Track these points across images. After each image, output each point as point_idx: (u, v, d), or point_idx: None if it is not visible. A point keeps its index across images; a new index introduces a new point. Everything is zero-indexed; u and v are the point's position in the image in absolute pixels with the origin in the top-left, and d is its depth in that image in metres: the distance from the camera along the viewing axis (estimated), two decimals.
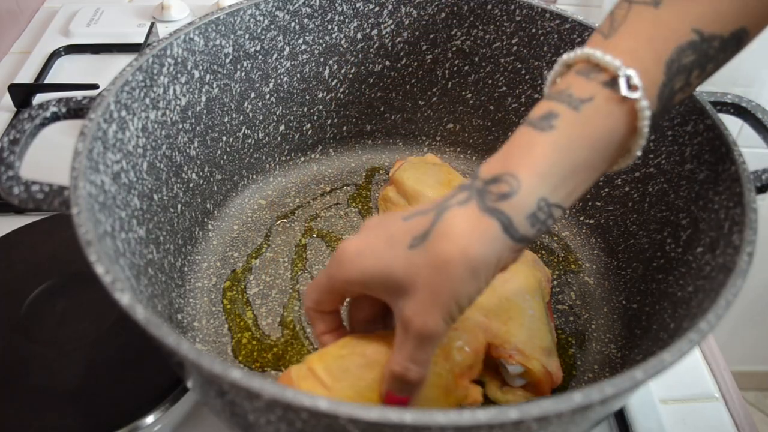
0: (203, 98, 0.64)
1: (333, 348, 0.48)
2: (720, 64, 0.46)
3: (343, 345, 0.48)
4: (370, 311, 0.49)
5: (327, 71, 0.74)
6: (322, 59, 0.73)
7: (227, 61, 0.65)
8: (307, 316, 0.50)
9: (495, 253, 0.40)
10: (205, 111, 0.65)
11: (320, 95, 0.76)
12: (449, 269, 0.39)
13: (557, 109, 0.41)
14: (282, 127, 0.75)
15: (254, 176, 0.74)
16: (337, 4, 0.70)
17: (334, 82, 0.76)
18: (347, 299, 0.49)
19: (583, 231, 0.72)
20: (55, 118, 0.49)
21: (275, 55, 0.70)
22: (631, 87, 0.41)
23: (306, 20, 0.70)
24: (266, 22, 0.67)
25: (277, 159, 0.76)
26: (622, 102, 0.41)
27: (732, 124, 0.56)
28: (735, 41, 0.45)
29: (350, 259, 0.43)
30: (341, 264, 0.44)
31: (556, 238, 0.72)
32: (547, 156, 0.40)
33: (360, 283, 0.44)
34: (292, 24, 0.69)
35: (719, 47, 0.44)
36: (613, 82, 0.41)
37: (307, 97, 0.75)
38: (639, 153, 0.43)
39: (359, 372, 0.46)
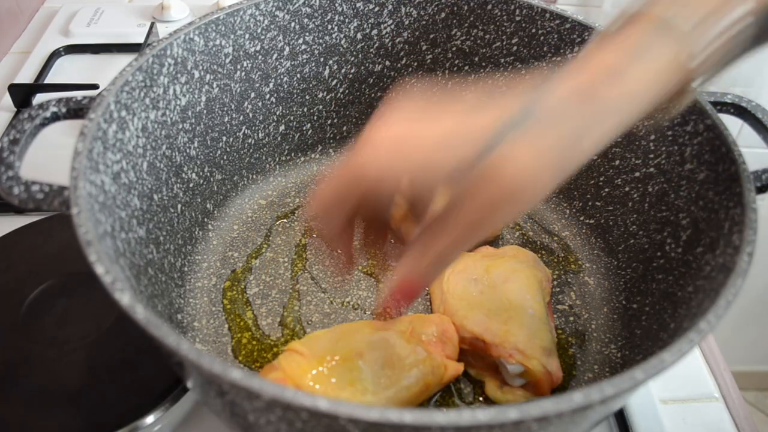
0: (203, 98, 0.64)
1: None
2: None
3: (318, 335, 0.54)
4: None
5: (327, 71, 0.74)
6: (322, 59, 0.73)
7: (227, 61, 0.65)
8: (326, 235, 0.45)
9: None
10: (205, 111, 0.65)
11: (320, 95, 0.76)
12: (505, 201, 0.39)
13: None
14: (282, 127, 0.75)
15: (254, 176, 0.74)
16: (337, 4, 0.70)
17: (334, 82, 0.76)
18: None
19: (583, 231, 0.72)
20: (55, 118, 0.49)
21: (275, 55, 0.70)
22: None
23: (306, 20, 0.70)
24: (266, 22, 0.67)
25: (277, 159, 0.76)
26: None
27: (732, 124, 0.56)
28: None
29: (383, 161, 0.40)
30: (367, 165, 0.40)
31: (556, 238, 0.72)
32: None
33: (388, 186, 0.40)
34: (292, 24, 0.69)
35: None
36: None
37: (307, 97, 0.75)
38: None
39: (329, 339, 0.52)
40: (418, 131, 0.40)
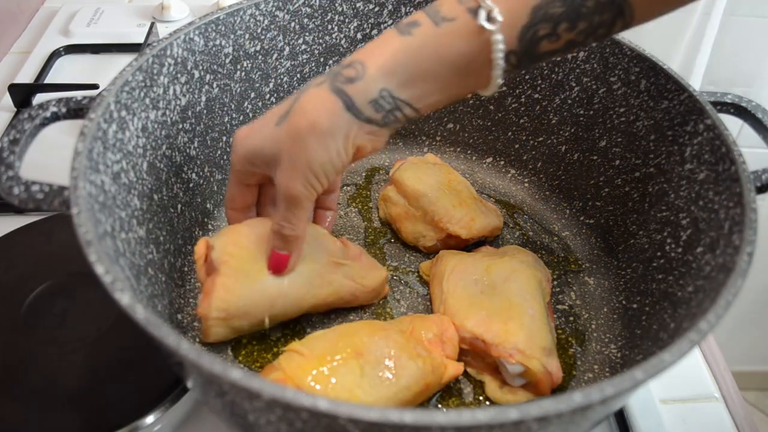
0: (203, 98, 0.64)
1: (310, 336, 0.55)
2: (596, 27, 0.47)
3: (318, 335, 0.55)
4: (250, 199, 0.58)
5: (327, 71, 0.74)
6: (322, 59, 0.73)
7: (227, 61, 0.65)
8: (228, 218, 0.59)
9: (341, 129, 0.47)
10: (205, 111, 0.65)
11: None
12: (302, 140, 0.47)
13: (421, 20, 0.46)
14: None
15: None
16: (337, 4, 0.70)
17: None
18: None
19: (583, 231, 0.72)
20: (55, 118, 0.49)
21: (275, 55, 0.70)
22: (490, 19, 0.44)
23: (306, 20, 0.70)
24: (266, 22, 0.67)
25: None
26: (480, 31, 0.45)
27: (732, 124, 0.56)
28: (614, 8, 0.46)
29: (239, 142, 0.52)
30: (234, 148, 0.52)
31: (556, 238, 0.72)
32: (396, 55, 0.46)
33: (246, 160, 0.52)
34: (292, 24, 0.69)
35: (594, 8, 0.45)
36: (476, 11, 0.45)
37: None
38: (499, 82, 0.47)
39: (329, 339, 0.53)
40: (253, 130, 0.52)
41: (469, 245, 0.68)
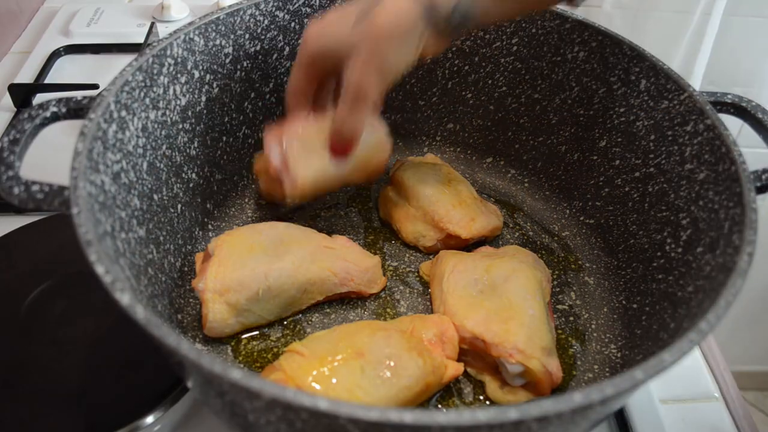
0: (203, 98, 0.64)
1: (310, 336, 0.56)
2: None
3: (318, 335, 0.55)
4: (310, 88, 0.61)
5: None
6: None
7: (227, 61, 0.65)
8: (287, 104, 0.61)
9: (417, 33, 0.52)
10: (205, 111, 0.65)
11: None
12: (381, 41, 0.51)
13: None
14: None
15: (254, 176, 0.74)
16: (337, 4, 0.70)
17: None
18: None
19: (583, 231, 0.72)
20: (55, 118, 0.49)
21: (275, 55, 0.70)
22: None
23: (306, 20, 0.70)
24: (266, 22, 0.67)
25: None
26: None
27: (732, 124, 0.56)
28: None
29: (312, 39, 0.56)
30: (306, 43, 0.56)
31: (556, 238, 0.72)
32: None
33: (320, 55, 0.56)
34: (292, 24, 0.69)
35: None
36: None
37: None
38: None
39: (330, 339, 0.53)
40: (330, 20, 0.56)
41: (469, 245, 0.68)
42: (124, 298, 0.38)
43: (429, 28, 0.52)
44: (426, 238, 0.68)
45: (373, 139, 0.64)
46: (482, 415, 0.33)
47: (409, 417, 0.32)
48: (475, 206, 0.68)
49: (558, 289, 0.67)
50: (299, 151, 0.60)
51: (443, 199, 0.68)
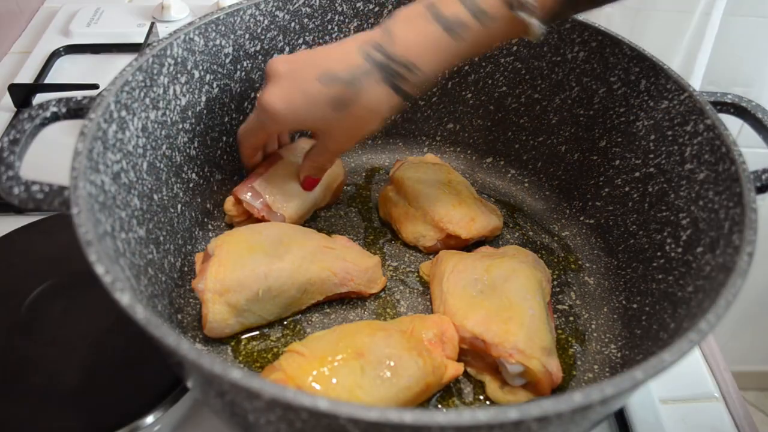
0: (203, 98, 0.64)
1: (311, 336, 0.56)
2: None
3: (318, 335, 0.55)
4: (267, 142, 0.69)
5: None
6: None
7: (227, 61, 0.65)
8: (244, 156, 0.68)
9: (393, 112, 0.58)
10: (205, 111, 0.65)
11: None
12: (363, 125, 0.59)
13: (469, 23, 0.53)
14: None
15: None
16: (337, 4, 0.70)
17: None
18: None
19: (583, 231, 0.72)
20: (55, 118, 0.49)
21: (275, 55, 0.70)
22: (524, 8, 0.52)
23: (306, 20, 0.70)
24: (266, 22, 0.67)
25: None
26: (520, 21, 0.53)
27: (732, 124, 0.56)
28: None
29: (283, 114, 0.57)
30: (276, 118, 0.58)
31: (556, 238, 0.72)
32: (449, 60, 0.55)
33: (288, 126, 0.64)
34: (292, 24, 0.69)
35: None
36: (513, 5, 0.53)
37: None
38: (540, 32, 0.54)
39: (330, 339, 0.53)
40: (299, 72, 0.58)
41: (468, 245, 0.68)
42: (124, 298, 0.38)
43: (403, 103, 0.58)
44: (426, 238, 0.68)
45: (331, 173, 0.70)
46: (482, 415, 0.33)
47: (409, 417, 0.33)
48: (475, 206, 0.68)
49: (558, 289, 0.67)
50: (276, 195, 0.67)
51: (443, 199, 0.68)
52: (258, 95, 0.59)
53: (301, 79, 0.57)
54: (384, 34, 0.56)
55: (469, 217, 0.67)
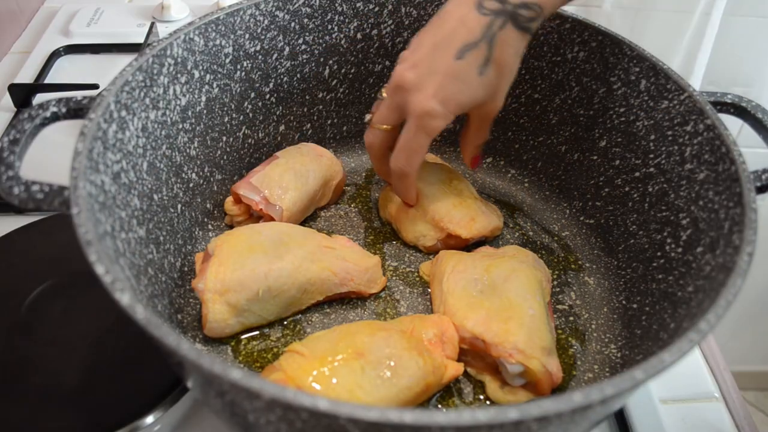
0: (203, 98, 0.64)
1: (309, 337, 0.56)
2: None
3: (318, 335, 0.55)
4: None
5: (327, 71, 0.74)
6: (322, 59, 0.73)
7: (227, 61, 0.65)
8: (378, 169, 0.67)
9: (525, 50, 0.59)
10: (205, 111, 0.65)
11: (320, 95, 0.76)
12: (511, 75, 0.59)
13: None
14: (282, 127, 0.75)
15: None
16: (337, 4, 0.70)
17: (334, 82, 0.76)
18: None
19: (583, 231, 0.72)
20: (55, 118, 0.49)
21: (275, 55, 0.70)
22: None
23: (306, 20, 0.70)
24: (266, 22, 0.67)
25: None
26: None
27: (732, 124, 0.56)
28: None
29: (445, 111, 0.57)
30: (441, 118, 0.57)
31: (556, 238, 0.72)
32: None
33: (456, 113, 0.58)
34: (292, 24, 0.69)
35: None
36: None
37: (307, 97, 0.75)
38: None
39: (330, 339, 0.53)
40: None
41: (469, 245, 0.68)
42: (124, 298, 0.38)
43: None
44: (426, 238, 0.68)
45: (328, 170, 0.71)
46: (482, 415, 0.33)
47: (409, 417, 0.32)
48: (476, 206, 0.68)
49: (558, 289, 0.67)
50: (274, 188, 0.67)
51: (444, 199, 0.68)
52: (410, 110, 0.58)
53: (441, 70, 0.56)
54: None
55: (470, 217, 0.67)
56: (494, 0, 0.55)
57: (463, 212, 0.67)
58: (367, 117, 0.65)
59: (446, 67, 0.56)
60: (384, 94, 0.63)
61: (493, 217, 0.69)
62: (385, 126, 0.63)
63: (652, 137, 0.63)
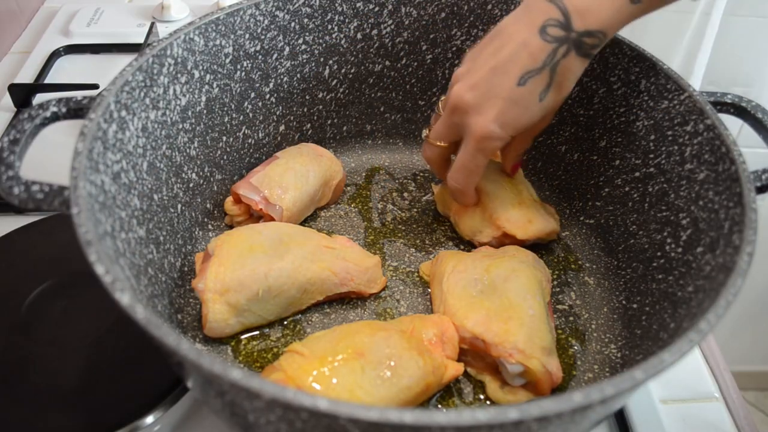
0: (203, 98, 0.64)
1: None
2: None
3: (318, 335, 0.55)
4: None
5: (327, 71, 0.74)
6: (322, 59, 0.73)
7: (227, 61, 0.65)
8: (441, 174, 0.68)
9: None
10: (205, 111, 0.65)
11: (320, 95, 0.76)
12: (565, 95, 0.59)
13: None
14: (282, 127, 0.75)
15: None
16: (337, 4, 0.70)
17: (334, 82, 0.76)
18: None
19: (583, 231, 0.72)
20: (55, 118, 0.49)
21: (275, 55, 0.70)
22: None
23: (306, 20, 0.70)
24: (266, 22, 0.67)
25: None
26: None
27: (732, 124, 0.56)
28: None
29: (504, 134, 0.58)
30: (500, 140, 0.58)
31: (556, 238, 0.72)
32: (625, 21, 0.56)
33: (511, 134, 0.59)
34: (292, 24, 0.69)
35: None
36: None
37: (307, 97, 0.75)
38: None
39: (330, 339, 0.53)
40: None
41: (525, 245, 0.67)
42: (124, 297, 0.38)
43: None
44: (482, 234, 0.68)
45: (328, 170, 0.72)
46: (482, 415, 0.33)
47: (409, 417, 0.32)
48: (534, 208, 0.68)
49: (558, 289, 0.67)
50: (273, 188, 0.67)
51: (503, 198, 0.67)
52: (470, 132, 0.58)
53: (501, 95, 0.56)
54: (557, 9, 0.55)
55: (527, 219, 0.67)
56: (558, 27, 0.55)
57: (521, 213, 0.67)
58: (425, 132, 0.66)
59: (507, 92, 0.56)
60: (441, 108, 0.64)
61: (550, 220, 0.68)
62: (441, 143, 0.64)
63: (652, 137, 0.63)
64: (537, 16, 0.55)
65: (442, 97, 0.64)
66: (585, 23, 0.54)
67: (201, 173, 0.67)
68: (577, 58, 0.56)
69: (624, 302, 0.64)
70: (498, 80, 0.56)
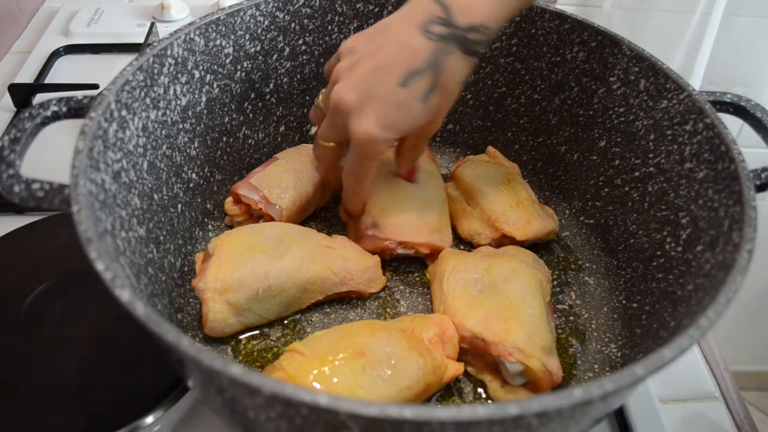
0: (203, 98, 0.64)
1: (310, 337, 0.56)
2: None
3: (318, 335, 0.55)
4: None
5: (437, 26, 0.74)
6: (322, 60, 0.73)
7: (227, 61, 0.65)
8: (330, 180, 0.68)
9: (472, 71, 0.58)
10: (205, 111, 0.65)
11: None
12: (453, 97, 0.57)
13: None
14: (282, 128, 0.75)
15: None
16: (337, 5, 0.70)
17: None
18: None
19: (583, 231, 0.72)
20: (56, 117, 0.49)
21: (275, 56, 0.70)
22: None
23: (306, 21, 0.70)
24: (266, 22, 0.67)
25: None
26: None
27: (732, 124, 0.56)
28: None
29: (386, 137, 0.56)
30: (382, 143, 0.56)
31: (556, 238, 0.72)
32: (510, 14, 0.56)
33: (395, 138, 0.57)
34: (293, 25, 0.69)
35: None
36: None
37: (308, 98, 0.75)
38: None
39: (330, 339, 0.53)
40: None
41: (525, 245, 0.67)
42: (124, 294, 0.38)
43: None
44: (481, 236, 0.68)
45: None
46: (482, 410, 0.33)
47: (409, 413, 0.32)
48: (533, 209, 0.68)
49: (558, 289, 0.67)
50: (273, 188, 0.67)
51: (501, 199, 0.68)
52: (352, 135, 0.56)
53: (382, 97, 0.54)
54: (439, 6, 0.54)
55: (526, 219, 0.67)
56: (441, 24, 0.53)
57: (519, 214, 0.67)
58: (312, 130, 0.65)
59: (388, 93, 0.54)
60: (320, 101, 0.62)
61: (548, 220, 0.69)
62: (330, 144, 0.62)
63: (652, 137, 0.63)
64: (419, 13, 0.54)
65: (322, 90, 0.62)
66: (468, 18, 0.54)
67: (201, 173, 0.67)
68: (461, 57, 0.55)
69: (624, 302, 0.64)
70: (379, 81, 0.54)
